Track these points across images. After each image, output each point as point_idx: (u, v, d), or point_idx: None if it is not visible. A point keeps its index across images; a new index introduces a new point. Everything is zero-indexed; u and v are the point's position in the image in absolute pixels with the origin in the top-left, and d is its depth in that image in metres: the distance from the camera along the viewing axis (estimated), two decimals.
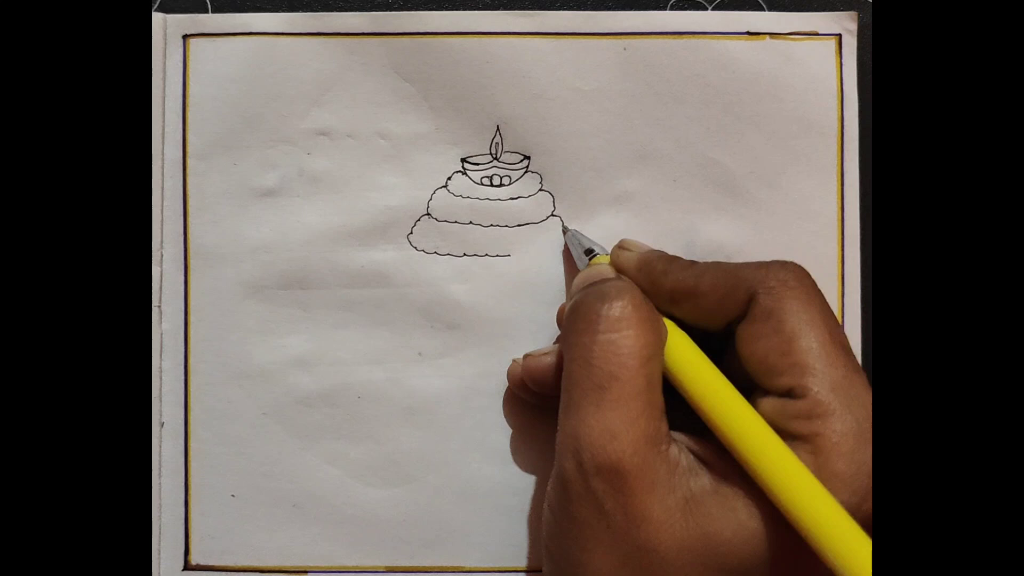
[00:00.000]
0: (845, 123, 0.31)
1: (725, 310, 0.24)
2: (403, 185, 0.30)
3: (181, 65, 0.30)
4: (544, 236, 0.31)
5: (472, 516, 0.30)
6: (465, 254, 0.30)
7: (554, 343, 0.29)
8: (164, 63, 0.30)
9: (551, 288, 0.30)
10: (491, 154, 0.31)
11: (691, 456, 0.22)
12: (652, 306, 0.24)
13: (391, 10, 0.31)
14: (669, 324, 0.24)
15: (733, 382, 0.23)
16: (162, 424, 0.30)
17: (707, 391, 0.23)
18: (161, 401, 0.30)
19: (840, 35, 0.31)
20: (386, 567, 0.30)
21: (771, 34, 0.31)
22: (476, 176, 0.31)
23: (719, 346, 0.25)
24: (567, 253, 0.30)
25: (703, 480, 0.22)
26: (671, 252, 0.31)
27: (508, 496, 0.30)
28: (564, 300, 0.30)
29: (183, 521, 0.30)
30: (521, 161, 0.31)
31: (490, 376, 0.30)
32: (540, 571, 0.30)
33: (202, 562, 0.30)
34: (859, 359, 0.30)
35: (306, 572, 0.30)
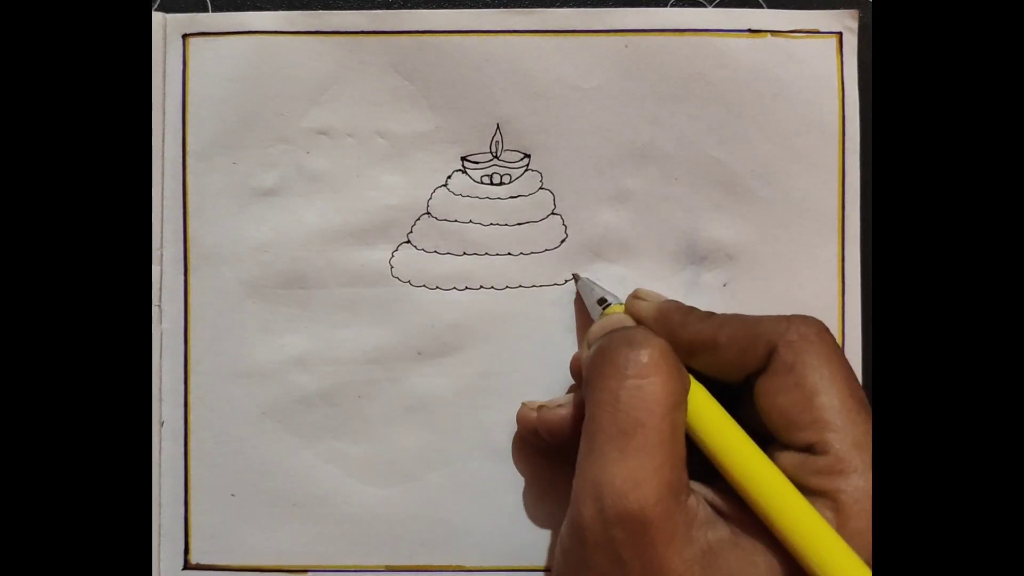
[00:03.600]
0: (846, 121, 0.31)
1: (744, 363, 0.24)
2: (403, 184, 0.30)
3: (181, 64, 0.30)
4: (544, 235, 0.30)
5: (472, 515, 0.30)
6: (465, 253, 0.30)
7: (567, 392, 0.29)
8: (164, 62, 0.30)
9: (550, 287, 0.30)
10: (491, 152, 0.30)
11: (708, 507, 0.22)
12: (676, 355, 0.24)
13: (390, 8, 0.31)
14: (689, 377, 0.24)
15: (748, 434, 0.23)
16: (162, 423, 0.30)
17: (728, 445, 0.23)
18: (161, 400, 0.30)
19: (841, 33, 0.31)
20: (386, 566, 0.30)
21: (772, 32, 0.31)
22: (476, 175, 0.31)
23: (731, 399, 0.25)
24: (578, 300, 0.30)
25: (721, 532, 0.22)
26: (672, 251, 0.31)
27: (508, 495, 0.30)
28: (572, 313, 0.30)
29: (183, 520, 0.30)
30: (521, 159, 0.31)
31: (490, 375, 0.30)
32: (540, 570, 0.30)
33: (202, 561, 0.30)
34: (859, 358, 0.30)
35: (306, 571, 0.30)
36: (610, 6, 0.31)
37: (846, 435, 0.22)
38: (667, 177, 0.31)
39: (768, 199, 0.31)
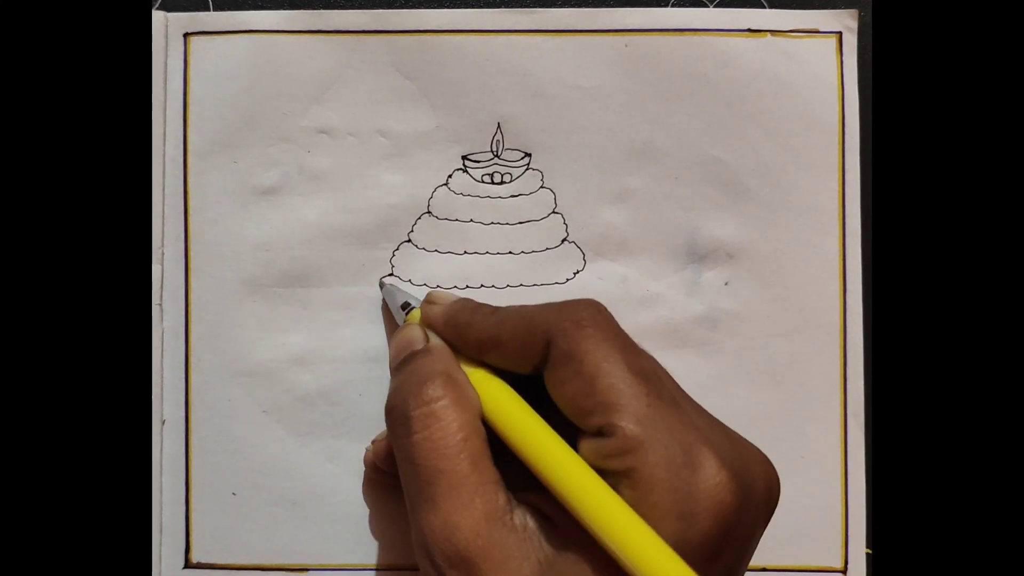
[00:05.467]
0: (846, 120, 0.31)
1: (528, 357, 0.24)
2: (404, 183, 0.30)
3: (182, 63, 0.30)
4: (545, 234, 0.30)
5: None
6: (466, 252, 0.30)
7: None
8: (165, 61, 0.30)
9: (551, 286, 0.30)
10: (492, 151, 0.31)
11: (536, 516, 0.22)
12: (460, 376, 0.24)
13: (392, 7, 0.31)
14: (483, 376, 0.24)
15: (562, 425, 0.23)
16: (163, 422, 0.30)
17: (525, 440, 0.23)
18: (162, 399, 0.30)
19: (841, 32, 0.31)
20: (386, 565, 0.30)
21: (772, 31, 0.31)
22: (477, 174, 0.31)
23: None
24: (386, 307, 0.30)
25: (552, 540, 0.22)
26: (672, 249, 0.31)
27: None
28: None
29: (184, 519, 0.30)
30: (522, 159, 0.31)
31: None
32: None
33: (203, 560, 0.30)
34: (860, 355, 0.30)
35: (306, 570, 0.30)
36: (611, 6, 0.31)
37: (629, 412, 0.21)
38: (668, 176, 0.31)
39: (768, 198, 0.31)
